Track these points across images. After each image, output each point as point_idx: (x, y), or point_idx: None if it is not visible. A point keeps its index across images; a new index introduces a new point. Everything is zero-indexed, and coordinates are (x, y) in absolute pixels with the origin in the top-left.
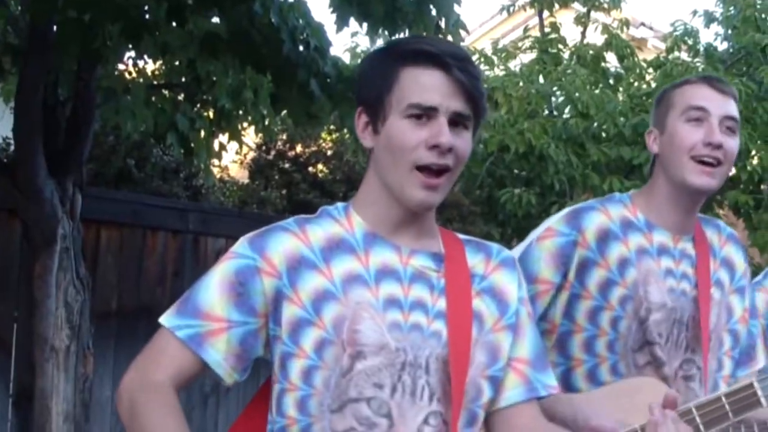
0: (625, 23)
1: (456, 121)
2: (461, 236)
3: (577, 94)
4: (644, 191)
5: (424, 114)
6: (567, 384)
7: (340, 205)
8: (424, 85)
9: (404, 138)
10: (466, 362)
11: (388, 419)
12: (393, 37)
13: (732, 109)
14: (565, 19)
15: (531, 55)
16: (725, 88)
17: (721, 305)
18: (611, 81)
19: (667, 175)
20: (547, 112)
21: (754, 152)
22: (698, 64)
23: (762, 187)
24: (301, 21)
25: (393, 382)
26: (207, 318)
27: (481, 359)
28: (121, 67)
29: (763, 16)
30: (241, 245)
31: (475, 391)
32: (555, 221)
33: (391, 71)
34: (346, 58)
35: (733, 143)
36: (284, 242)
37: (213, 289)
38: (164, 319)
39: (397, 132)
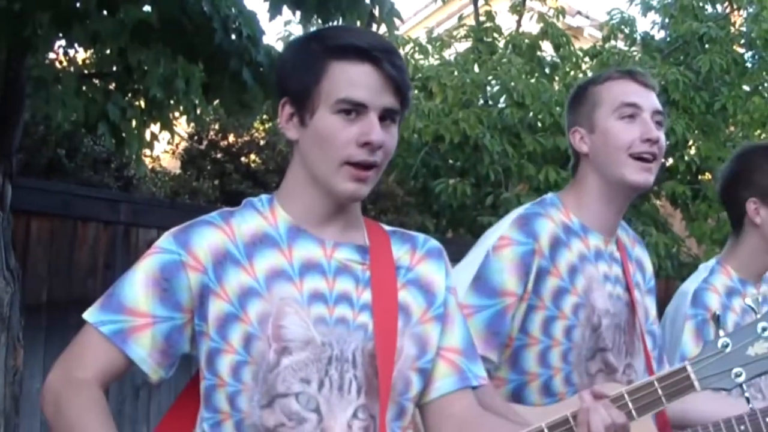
0: (561, 12)
1: (385, 116)
2: (387, 227)
3: (512, 84)
4: (572, 192)
5: (354, 109)
6: (520, 400)
7: (264, 197)
8: (355, 79)
9: (335, 134)
10: (393, 355)
11: (318, 414)
12: (326, 26)
13: (657, 102)
14: (501, 7)
15: (466, 44)
16: (649, 82)
17: (641, 306)
18: (547, 70)
19: (601, 174)
20: (482, 101)
21: (691, 142)
22: (635, 53)
23: (699, 177)
24: (233, 9)
25: (320, 377)
26: (131, 313)
27: (410, 352)
28: (51, 56)
29: (701, 4)
30: (166, 240)
31: (403, 384)
32: (507, 229)
33: (319, 63)
34: (279, 47)
35: (663, 136)
36: (209, 237)
37: (138, 284)
38: (88, 315)
39: (326, 127)
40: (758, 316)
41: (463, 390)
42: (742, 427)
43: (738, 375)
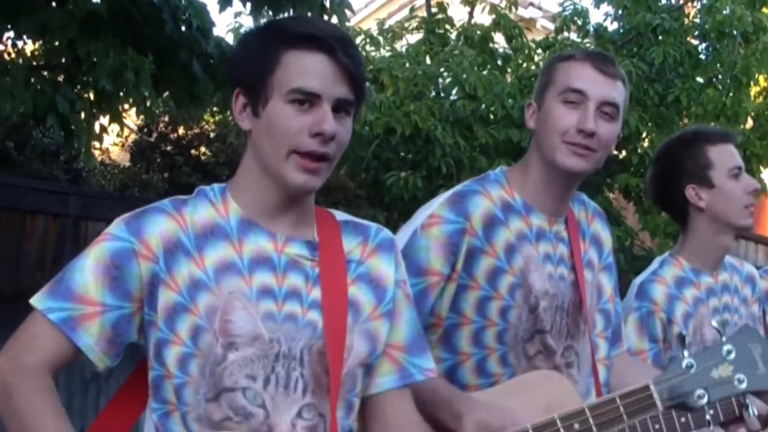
0: (514, 3)
1: (339, 107)
2: (340, 217)
3: (464, 76)
4: (519, 168)
5: (307, 100)
6: (454, 380)
7: (216, 187)
8: (308, 69)
9: (286, 124)
10: (342, 353)
11: (264, 410)
12: (280, 16)
13: (614, 93)
14: None
15: (417, 36)
16: (610, 70)
17: (593, 286)
18: (499, 62)
19: (541, 153)
20: (434, 93)
21: (645, 134)
22: (588, 45)
23: None
24: (183, 1)
25: (266, 374)
26: (81, 301)
27: (360, 348)
28: None
29: None
30: (117, 227)
31: (351, 381)
32: (438, 207)
33: (273, 53)
34: (230, 39)
35: (609, 129)
36: (161, 225)
37: (87, 271)
38: (36, 301)
39: (279, 117)
40: (723, 338)
41: (401, 389)
42: (683, 419)
43: (701, 397)
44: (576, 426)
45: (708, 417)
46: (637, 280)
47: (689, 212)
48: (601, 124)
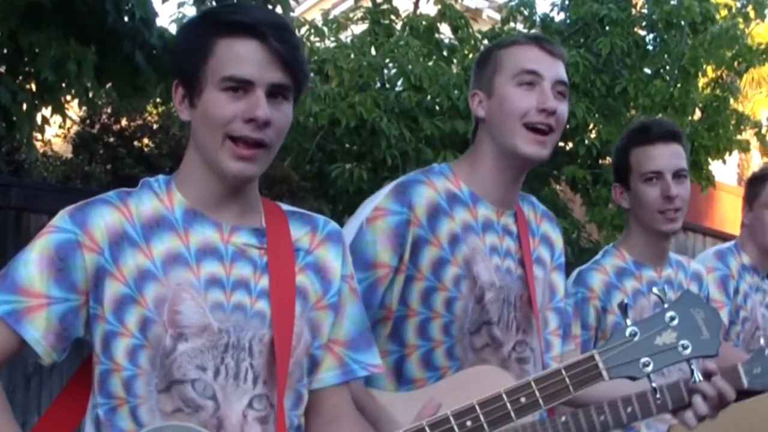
0: None
1: (275, 93)
2: (286, 208)
3: (410, 67)
4: (466, 160)
5: (240, 87)
6: (400, 372)
7: (161, 178)
8: (240, 56)
9: (219, 111)
10: (290, 342)
11: (214, 402)
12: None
13: (562, 72)
14: None
15: (362, 26)
16: (555, 50)
17: (545, 284)
18: (445, 53)
19: (495, 141)
20: (379, 84)
21: (591, 126)
22: None
23: (600, 161)
24: None
25: (216, 365)
26: (26, 294)
27: (306, 337)
28: None
29: None
30: (62, 218)
31: (299, 370)
32: (382, 199)
33: (206, 42)
34: (173, 30)
35: (564, 108)
36: (106, 216)
37: (32, 264)
38: None
39: (212, 105)
40: (666, 305)
41: (342, 385)
42: (629, 409)
43: (646, 365)
44: (523, 399)
45: (654, 385)
46: (578, 269)
47: (625, 209)
48: (557, 103)
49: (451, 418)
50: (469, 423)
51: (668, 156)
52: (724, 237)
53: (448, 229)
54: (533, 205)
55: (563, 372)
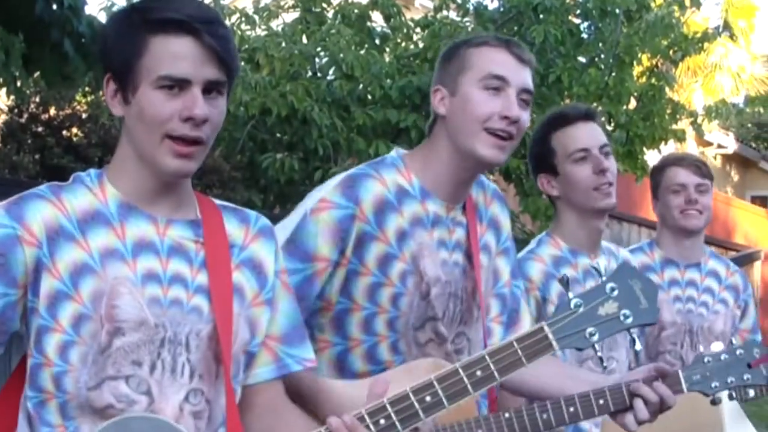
0: None
1: (210, 89)
2: (218, 203)
3: (341, 55)
4: (421, 153)
5: (176, 84)
6: (344, 365)
7: (92, 172)
8: (175, 54)
9: (156, 110)
10: (230, 338)
11: (148, 396)
12: None
13: (529, 80)
14: None
15: (294, 15)
16: (525, 56)
17: (489, 270)
18: (377, 41)
19: (453, 140)
20: (310, 73)
21: None
22: (468, 24)
23: None
24: None
25: (152, 359)
26: None
27: (244, 335)
28: None
29: None
30: None
31: (236, 367)
32: (329, 192)
33: (139, 39)
34: (102, 18)
35: (526, 116)
36: (42, 210)
37: None
38: None
39: (149, 104)
40: (604, 277)
41: (276, 380)
42: (572, 409)
43: (592, 334)
44: (478, 373)
45: (600, 354)
46: None
47: (552, 199)
48: (521, 111)
49: (411, 394)
50: (428, 398)
51: (590, 133)
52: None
53: (395, 225)
54: (483, 186)
55: (515, 344)
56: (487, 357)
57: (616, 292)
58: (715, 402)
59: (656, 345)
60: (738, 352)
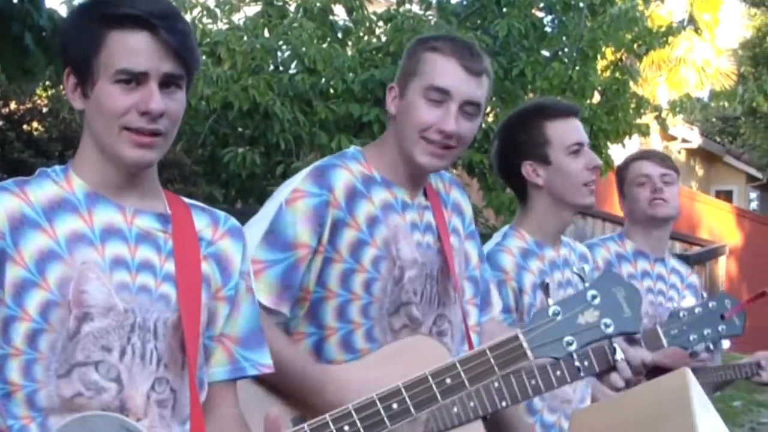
0: None
1: (167, 82)
2: (187, 200)
3: (303, 49)
4: (377, 147)
5: (133, 79)
6: (320, 354)
7: (58, 167)
8: (132, 49)
9: (114, 104)
10: (198, 327)
11: (118, 383)
12: None
13: (478, 92)
14: None
15: (255, 8)
16: (476, 67)
17: (460, 253)
18: (339, 35)
19: (398, 140)
20: (272, 67)
21: (489, 109)
22: (430, 18)
23: None
24: None
25: (122, 345)
26: None
27: (203, 325)
28: None
29: None
30: None
31: (202, 357)
32: (300, 182)
33: (97, 34)
34: (63, 11)
35: (470, 127)
36: (4, 202)
37: None
38: None
39: (106, 98)
40: (587, 284)
41: (228, 382)
42: (558, 373)
43: (569, 343)
44: (448, 381)
45: (577, 364)
46: (485, 252)
47: (528, 189)
48: (462, 123)
49: (377, 401)
50: (395, 406)
51: (581, 129)
52: (622, 222)
53: (366, 211)
54: (440, 175)
55: (488, 353)
56: (458, 364)
57: (597, 300)
58: (693, 355)
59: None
60: (710, 304)
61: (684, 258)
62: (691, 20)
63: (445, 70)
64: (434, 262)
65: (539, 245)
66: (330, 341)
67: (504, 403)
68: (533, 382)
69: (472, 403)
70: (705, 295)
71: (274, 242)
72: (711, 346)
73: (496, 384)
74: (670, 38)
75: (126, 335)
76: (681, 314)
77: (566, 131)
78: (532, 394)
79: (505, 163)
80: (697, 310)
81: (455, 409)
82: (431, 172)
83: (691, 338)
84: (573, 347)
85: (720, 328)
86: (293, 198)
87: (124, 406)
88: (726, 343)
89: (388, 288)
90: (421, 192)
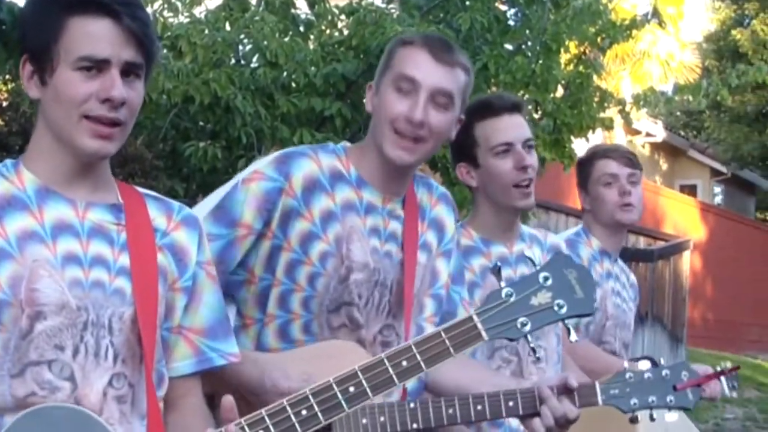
0: None
1: (128, 71)
2: (141, 190)
3: (265, 43)
4: (360, 145)
5: (94, 66)
6: (258, 341)
7: (8, 162)
8: (94, 35)
9: (74, 91)
10: (155, 321)
11: (71, 382)
12: None
13: (448, 82)
14: None
15: (217, 2)
16: (447, 58)
17: (427, 269)
18: (301, 28)
19: (373, 137)
20: (233, 61)
21: (462, 114)
22: (393, 11)
23: None
24: None
25: (75, 343)
26: None
27: (161, 317)
28: None
29: None
30: None
31: (159, 350)
32: (263, 164)
33: (57, 20)
34: (22, 4)
35: (442, 119)
36: None
37: None
38: None
39: (66, 85)
40: (538, 267)
41: (194, 375)
42: (479, 407)
43: (524, 324)
44: (404, 363)
45: (532, 345)
46: None
47: (471, 189)
48: (433, 113)
49: (334, 385)
50: (352, 389)
51: (515, 126)
52: None
53: (323, 206)
54: (429, 188)
55: (443, 334)
56: (413, 347)
57: (550, 282)
58: (633, 420)
59: (602, 334)
60: (664, 372)
61: (648, 253)
62: (656, 13)
63: (414, 60)
64: (389, 272)
65: (486, 242)
66: (268, 328)
67: (415, 425)
68: (450, 411)
69: (382, 419)
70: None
71: (221, 217)
72: (653, 416)
73: (412, 405)
74: (634, 31)
75: (79, 333)
76: (627, 375)
77: (493, 131)
78: (446, 422)
79: (454, 164)
80: (647, 375)
81: (364, 421)
82: (402, 166)
83: (632, 402)
84: (527, 328)
85: (668, 399)
86: (251, 178)
87: (78, 404)
88: (672, 416)
89: (332, 285)
90: (400, 200)
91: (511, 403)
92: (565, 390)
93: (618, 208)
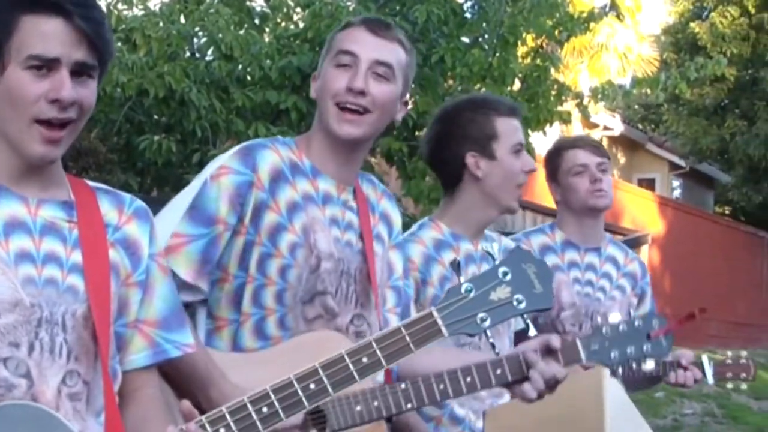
0: None
1: (79, 71)
2: (92, 184)
3: (220, 35)
4: (306, 136)
5: (44, 65)
6: (235, 341)
7: None
8: (45, 34)
9: (24, 91)
10: (108, 317)
11: (28, 379)
12: None
13: (386, 53)
14: None
15: None
16: (385, 32)
17: (383, 260)
18: (257, 21)
19: (319, 121)
20: (188, 54)
21: (408, 96)
22: (349, 4)
23: (416, 133)
24: None
25: (30, 340)
26: None
27: (114, 313)
28: None
29: None
30: None
31: (113, 346)
32: (227, 159)
33: (9, 18)
34: None
35: (384, 89)
36: None
37: None
38: None
39: (16, 84)
40: (497, 261)
41: (149, 367)
42: (468, 379)
43: (483, 320)
44: (365, 359)
45: (492, 341)
46: None
47: (464, 179)
48: (373, 84)
49: (294, 381)
50: (312, 386)
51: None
52: (544, 211)
53: (288, 197)
54: (373, 183)
55: (403, 330)
56: (373, 343)
57: (509, 277)
58: (613, 373)
59: (555, 325)
60: (636, 323)
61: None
62: (613, 6)
63: (353, 36)
64: (352, 261)
65: (456, 237)
66: (244, 327)
67: (409, 405)
68: (441, 386)
69: (376, 403)
70: (632, 312)
71: (197, 217)
72: (633, 365)
73: (403, 386)
74: (592, 24)
75: (33, 330)
76: (604, 329)
77: (513, 129)
78: (440, 398)
79: (441, 150)
80: (621, 327)
81: (358, 408)
82: (350, 142)
83: (612, 355)
84: (487, 323)
85: (644, 348)
86: (218, 174)
87: (35, 401)
88: (650, 364)
89: (304, 276)
90: (351, 190)
91: (498, 371)
92: (548, 351)
93: (590, 194)
